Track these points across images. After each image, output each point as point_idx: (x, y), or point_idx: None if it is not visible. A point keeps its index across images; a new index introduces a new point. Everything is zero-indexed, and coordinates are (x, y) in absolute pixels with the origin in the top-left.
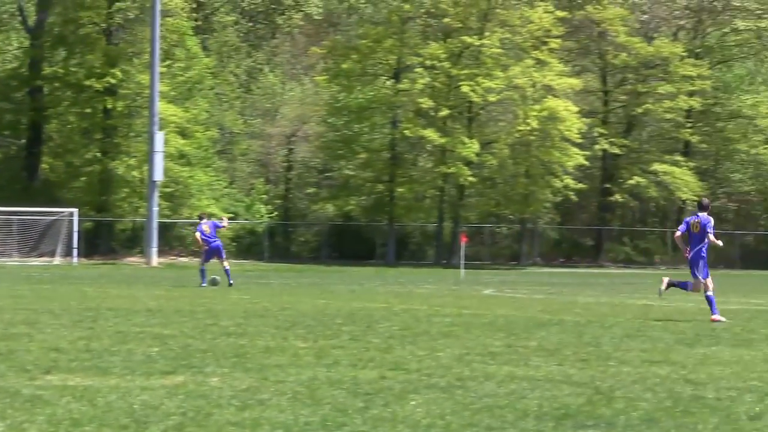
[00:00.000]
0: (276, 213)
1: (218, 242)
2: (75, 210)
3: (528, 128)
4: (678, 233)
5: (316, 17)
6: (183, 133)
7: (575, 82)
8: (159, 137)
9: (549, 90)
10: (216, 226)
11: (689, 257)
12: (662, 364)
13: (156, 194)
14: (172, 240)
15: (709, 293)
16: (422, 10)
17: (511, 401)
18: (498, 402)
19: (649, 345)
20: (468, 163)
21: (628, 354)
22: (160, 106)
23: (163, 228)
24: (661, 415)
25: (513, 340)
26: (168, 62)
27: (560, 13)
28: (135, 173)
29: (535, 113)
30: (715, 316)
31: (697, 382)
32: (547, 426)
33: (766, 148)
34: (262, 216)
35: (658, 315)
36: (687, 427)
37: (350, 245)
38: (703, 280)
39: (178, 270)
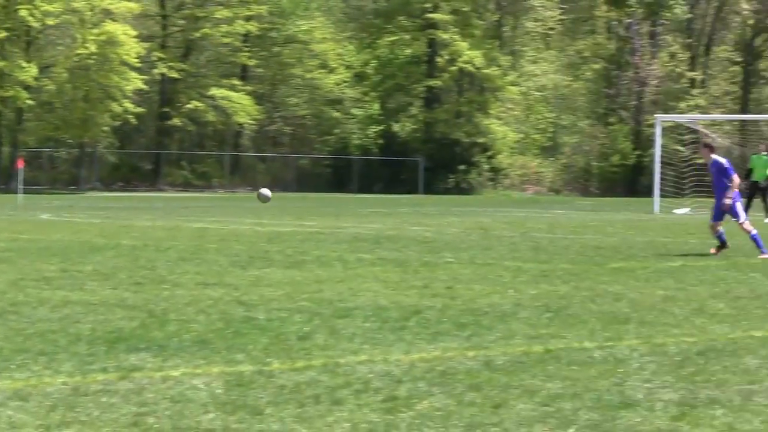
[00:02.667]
0: None
1: None
2: None
3: (87, 52)
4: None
5: None
6: None
7: (134, 6)
8: None
9: (108, 14)
10: None
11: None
12: (216, 287)
13: None
14: None
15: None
16: None
17: (64, 326)
18: (51, 327)
19: (203, 268)
20: (26, 87)
21: (183, 277)
22: None
23: None
24: (212, 337)
25: (68, 265)
26: None
27: None
28: None
29: (93, 37)
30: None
31: (250, 303)
32: (100, 350)
33: (320, 73)
34: None
35: (213, 238)
36: (238, 348)
37: None
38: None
39: None
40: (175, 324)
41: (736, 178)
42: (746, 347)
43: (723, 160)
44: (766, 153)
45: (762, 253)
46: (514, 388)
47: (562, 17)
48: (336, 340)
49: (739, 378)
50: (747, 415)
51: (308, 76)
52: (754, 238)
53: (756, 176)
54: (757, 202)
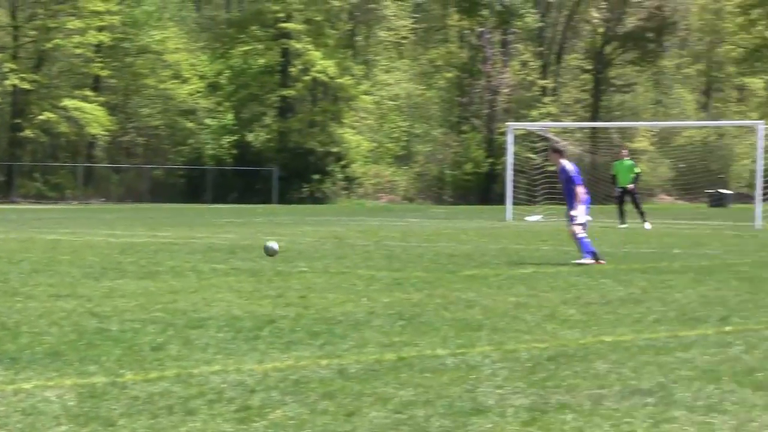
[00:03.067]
0: None
1: None
2: None
3: None
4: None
5: None
6: None
7: None
8: None
9: None
10: None
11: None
12: (69, 298)
13: None
14: None
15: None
16: None
17: None
18: None
19: (56, 279)
20: None
21: (36, 289)
22: None
23: None
24: (65, 349)
25: None
26: None
27: None
28: None
29: None
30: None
31: (103, 315)
32: None
33: (174, 83)
34: None
35: (66, 249)
36: (91, 360)
37: None
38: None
39: None
40: (28, 336)
41: (579, 189)
42: (596, 352)
43: (570, 167)
44: (627, 158)
45: (583, 257)
46: (367, 396)
47: (415, 26)
48: (189, 350)
49: (589, 383)
50: (597, 420)
51: (161, 86)
52: (581, 242)
53: (621, 182)
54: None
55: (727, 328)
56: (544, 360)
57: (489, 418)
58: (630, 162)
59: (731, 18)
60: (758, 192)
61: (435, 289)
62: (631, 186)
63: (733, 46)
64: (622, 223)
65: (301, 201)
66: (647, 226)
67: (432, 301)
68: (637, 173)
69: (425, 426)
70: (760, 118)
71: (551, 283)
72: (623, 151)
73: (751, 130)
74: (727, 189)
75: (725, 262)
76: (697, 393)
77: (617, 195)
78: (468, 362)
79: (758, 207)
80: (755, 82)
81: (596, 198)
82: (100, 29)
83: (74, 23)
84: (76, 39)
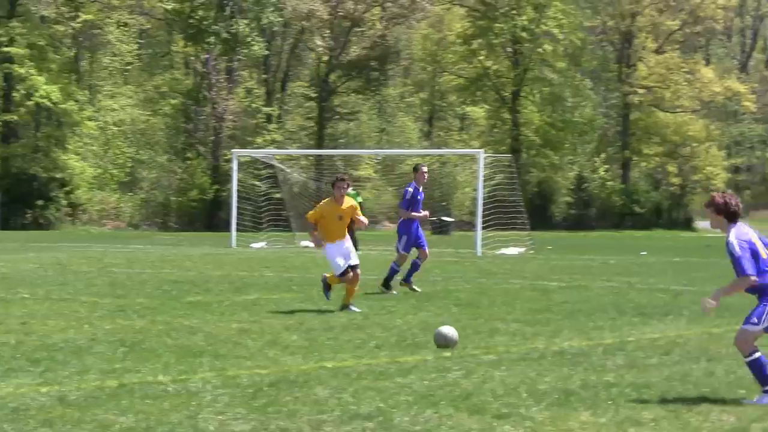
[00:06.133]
0: None
1: None
2: None
3: None
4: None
5: None
6: None
7: None
8: None
9: None
10: None
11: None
12: None
13: None
14: None
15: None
16: None
17: None
18: None
19: None
20: None
21: None
22: None
23: None
24: None
25: None
26: None
27: None
28: None
29: None
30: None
31: None
32: None
33: None
34: None
35: None
36: None
37: None
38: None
39: None
40: None
41: (403, 212)
42: (317, 378)
43: (410, 189)
44: (351, 188)
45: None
46: (87, 423)
47: (140, 52)
48: None
49: (309, 408)
50: None
51: None
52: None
53: None
54: None
55: (446, 354)
56: (266, 386)
57: None
58: (353, 191)
59: (453, 48)
60: (478, 219)
61: (158, 315)
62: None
63: (455, 76)
64: None
65: (24, 227)
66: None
67: (155, 327)
68: (360, 202)
69: None
70: (481, 147)
71: (274, 310)
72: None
73: (473, 158)
74: (449, 216)
75: (446, 288)
76: (415, 417)
77: None
78: (189, 388)
79: (479, 234)
80: (476, 111)
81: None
82: None
83: None
84: None
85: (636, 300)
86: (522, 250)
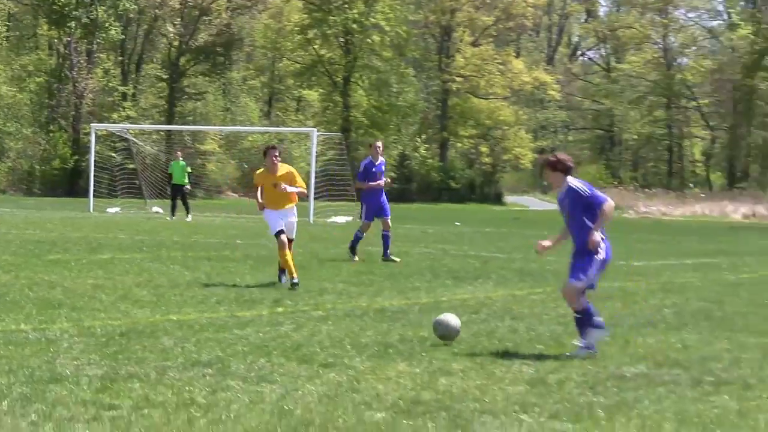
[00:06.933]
0: None
1: None
2: None
3: None
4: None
5: None
6: None
7: None
8: None
9: None
10: None
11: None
12: None
13: None
14: None
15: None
16: None
17: None
18: None
19: None
20: None
21: None
22: None
23: None
24: None
25: None
26: None
27: None
28: None
29: None
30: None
31: None
32: None
33: None
34: None
35: None
36: None
37: None
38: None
39: None
40: None
41: (359, 183)
42: (164, 329)
43: (365, 162)
44: (182, 159)
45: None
46: None
47: (8, 34)
48: None
49: (156, 356)
50: (161, 388)
51: None
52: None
53: (176, 179)
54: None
55: (279, 309)
56: (117, 335)
57: (65, 386)
58: (183, 163)
59: (291, 37)
60: (311, 191)
61: (21, 271)
62: (186, 185)
63: (292, 62)
64: (173, 215)
65: None
66: (189, 218)
67: (18, 281)
68: (188, 172)
69: (7, 392)
70: (315, 126)
71: (126, 268)
72: (178, 152)
73: (307, 136)
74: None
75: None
76: (250, 365)
77: (172, 191)
78: (48, 336)
79: (311, 204)
80: (311, 94)
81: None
82: None
83: None
84: None
85: (450, 265)
86: (349, 218)
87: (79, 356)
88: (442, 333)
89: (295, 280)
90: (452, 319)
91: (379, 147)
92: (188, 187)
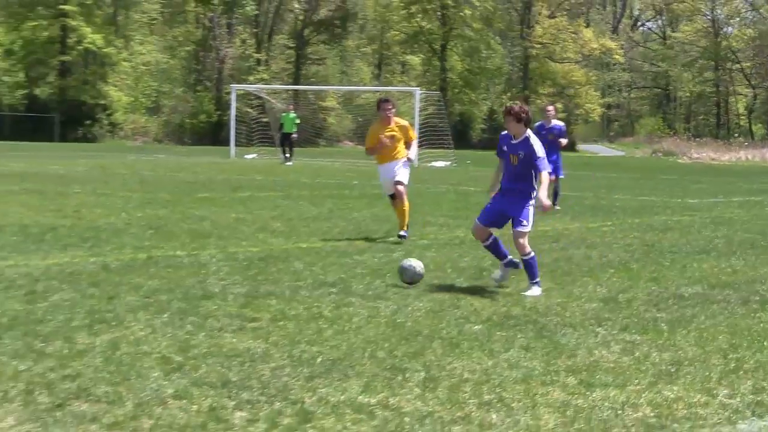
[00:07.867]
0: None
1: None
2: None
3: None
4: None
5: None
6: None
7: None
8: None
9: None
10: None
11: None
12: None
13: None
14: None
15: None
16: None
17: None
18: None
19: None
20: None
21: None
22: None
23: None
24: None
25: None
26: None
27: None
28: None
29: None
30: None
31: None
32: None
33: None
34: None
35: None
36: None
37: None
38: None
39: None
40: None
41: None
42: (295, 255)
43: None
44: (293, 112)
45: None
46: (124, 285)
47: (162, 10)
48: None
49: (289, 277)
50: (294, 304)
51: None
52: None
53: (286, 129)
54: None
55: (390, 239)
56: (256, 260)
57: (214, 301)
58: (293, 115)
59: (397, 11)
60: (416, 140)
61: (176, 207)
62: (294, 134)
63: (398, 32)
64: (288, 161)
65: (76, 140)
66: (290, 163)
67: (173, 215)
68: (297, 123)
69: (167, 307)
70: (418, 86)
71: (263, 204)
72: (290, 106)
73: (411, 94)
74: None
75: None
76: (368, 285)
77: (282, 138)
78: (199, 261)
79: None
80: (414, 59)
81: (300, 142)
82: None
83: None
84: None
85: None
86: (447, 163)
87: (225, 277)
88: (410, 278)
89: (403, 233)
90: (417, 264)
91: (550, 111)
92: (295, 135)
